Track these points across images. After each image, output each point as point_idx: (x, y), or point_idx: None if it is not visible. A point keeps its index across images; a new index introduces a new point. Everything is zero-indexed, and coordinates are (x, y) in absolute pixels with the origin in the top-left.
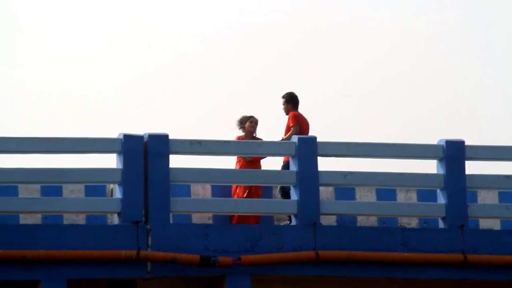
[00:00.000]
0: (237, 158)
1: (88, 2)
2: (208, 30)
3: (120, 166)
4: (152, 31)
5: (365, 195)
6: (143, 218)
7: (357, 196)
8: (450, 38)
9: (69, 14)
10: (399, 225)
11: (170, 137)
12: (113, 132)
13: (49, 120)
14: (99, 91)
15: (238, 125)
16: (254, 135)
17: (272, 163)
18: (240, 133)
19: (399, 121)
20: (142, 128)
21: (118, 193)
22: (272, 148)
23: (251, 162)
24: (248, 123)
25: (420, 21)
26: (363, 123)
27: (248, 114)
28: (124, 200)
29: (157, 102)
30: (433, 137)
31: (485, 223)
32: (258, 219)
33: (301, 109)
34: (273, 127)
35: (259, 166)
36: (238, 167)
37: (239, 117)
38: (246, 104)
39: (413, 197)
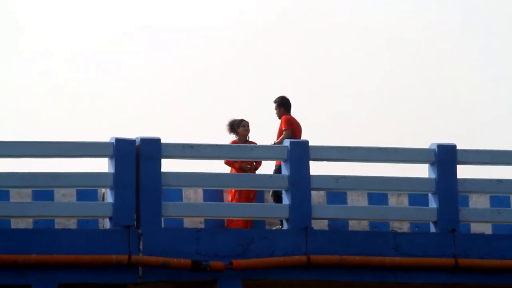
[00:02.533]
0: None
1: (86, 2)
2: (208, 30)
3: (112, 170)
4: (151, 31)
5: (357, 200)
6: (135, 223)
7: (349, 200)
8: (450, 38)
9: (69, 14)
10: (390, 229)
11: (162, 141)
12: (113, 131)
13: (49, 120)
14: (99, 91)
15: (228, 129)
16: (247, 138)
17: (264, 167)
18: (233, 137)
19: (399, 121)
20: (142, 127)
21: (109, 198)
22: (264, 152)
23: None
24: (241, 128)
25: (419, 21)
26: (363, 122)
27: (237, 117)
28: (116, 204)
29: (156, 101)
30: (434, 138)
31: (477, 228)
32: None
33: (299, 110)
34: (273, 126)
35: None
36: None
37: (228, 120)
38: (245, 103)
39: (404, 201)
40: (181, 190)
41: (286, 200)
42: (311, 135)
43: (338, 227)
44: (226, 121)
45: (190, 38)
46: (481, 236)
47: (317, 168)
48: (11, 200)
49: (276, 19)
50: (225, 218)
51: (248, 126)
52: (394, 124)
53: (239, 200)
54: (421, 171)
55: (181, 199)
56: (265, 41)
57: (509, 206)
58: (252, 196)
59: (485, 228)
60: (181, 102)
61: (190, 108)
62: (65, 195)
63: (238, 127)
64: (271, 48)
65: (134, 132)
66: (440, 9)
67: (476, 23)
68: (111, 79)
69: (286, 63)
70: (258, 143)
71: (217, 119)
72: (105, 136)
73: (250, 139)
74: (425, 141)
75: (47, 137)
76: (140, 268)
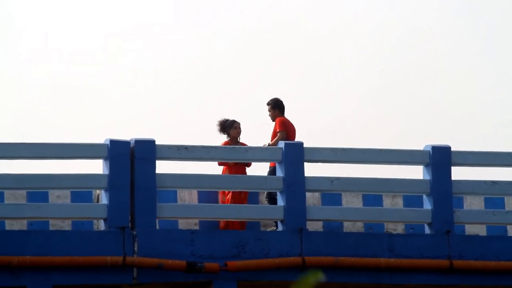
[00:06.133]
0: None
1: (85, 1)
2: (207, 30)
3: (107, 172)
4: (150, 30)
5: (352, 201)
6: (129, 224)
7: (344, 201)
8: (450, 38)
9: (65, 14)
10: (385, 230)
11: (156, 143)
12: (110, 130)
13: (46, 119)
14: (98, 89)
15: (219, 128)
16: (239, 139)
17: (258, 169)
18: (224, 137)
19: (399, 125)
20: (139, 126)
21: (104, 199)
22: (259, 154)
23: (235, 165)
24: (233, 130)
25: (419, 21)
26: (363, 127)
27: (229, 117)
28: (110, 205)
29: (152, 102)
30: (435, 142)
31: (471, 229)
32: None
33: (297, 114)
34: (268, 128)
35: (243, 169)
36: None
37: (219, 120)
38: (244, 105)
39: (399, 202)
40: (175, 192)
41: (280, 201)
42: (310, 140)
43: (333, 229)
44: (217, 121)
45: (189, 38)
46: (476, 237)
47: (312, 169)
48: (6, 201)
49: (276, 20)
50: (220, 220)
51: (239, 127)
52: (394, 129)
53: (230, 199)
54: (416, 172)
55: (175, 200)
56: (265, 43)
57: (504, 208)
58: (242, 196)
59: (480, 230)
60: (177, 102)
61: (185, 109)
62: (59, 197)
63: (230, 127)
64: (270, 50)
65: (131, 131)
66: (440, 13)
67: (478, 25)
68: (109, 78)
69: (286, 62)
70: (249, 145)
71: (213, 120)
72: (102, 135)
73: (241, 140)
74: (426, 145)
75: (44, 136)
76: (134, 270)
